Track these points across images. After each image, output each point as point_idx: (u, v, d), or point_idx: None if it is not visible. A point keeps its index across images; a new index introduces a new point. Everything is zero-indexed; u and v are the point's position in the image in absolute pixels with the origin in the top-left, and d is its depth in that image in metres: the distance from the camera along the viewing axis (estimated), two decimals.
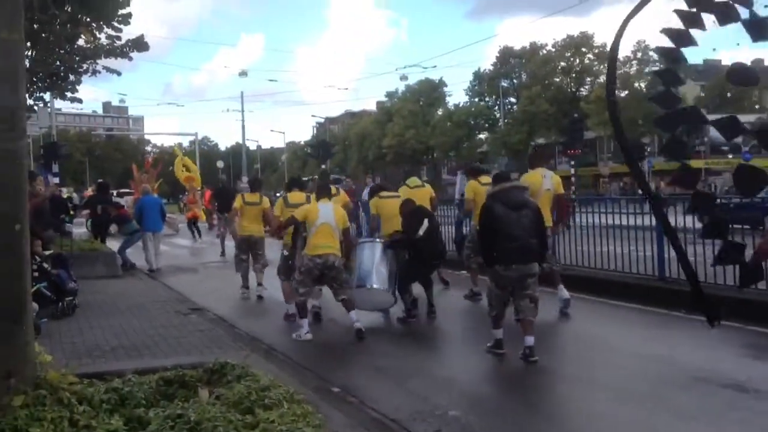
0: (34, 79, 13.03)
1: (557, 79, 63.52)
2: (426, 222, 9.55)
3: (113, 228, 17.37)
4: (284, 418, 4.11)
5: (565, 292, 9.53)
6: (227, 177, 54.79)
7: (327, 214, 8.86)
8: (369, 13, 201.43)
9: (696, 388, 6.25)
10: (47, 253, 10.97)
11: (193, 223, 24.71)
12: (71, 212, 17.40)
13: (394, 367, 7.37)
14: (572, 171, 31.40)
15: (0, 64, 3.67)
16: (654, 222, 10.10)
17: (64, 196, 21.07)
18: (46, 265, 10.11)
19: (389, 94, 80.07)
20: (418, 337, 8.98)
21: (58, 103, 26.02)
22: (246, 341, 8.36)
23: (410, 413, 5.77)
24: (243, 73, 54.46)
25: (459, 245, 10.64)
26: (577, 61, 63.11)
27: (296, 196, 10.43)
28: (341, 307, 9.03)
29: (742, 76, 2.75)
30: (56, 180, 21.68)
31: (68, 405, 4.09)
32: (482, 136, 72.03)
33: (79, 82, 13.75)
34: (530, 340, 7.23)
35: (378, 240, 9.99)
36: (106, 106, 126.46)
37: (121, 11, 12.73)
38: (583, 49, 62.24)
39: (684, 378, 6.54)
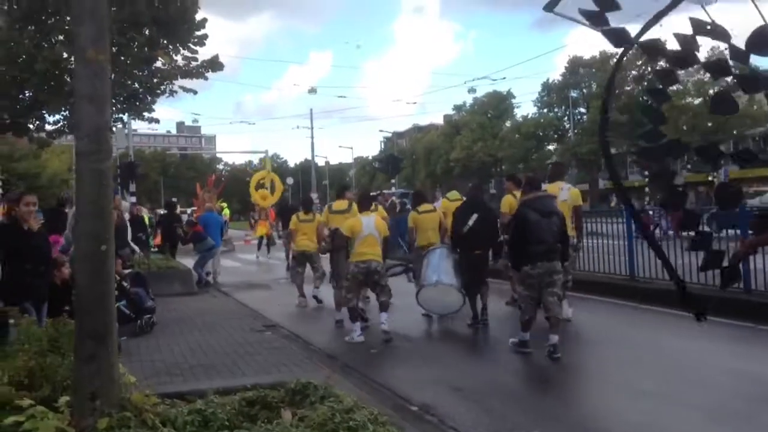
0: (113, 100, 13.39)
1: (628, 88, 62.23)
2: (474, 216, 10.10)
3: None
4: None
5: (570, 310, 10.12)
6: (290, 195, 55.29)
7: (370, 225, 9.84)
8: (435, 26, 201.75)
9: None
10: (126, 271, 11.17)
11: (265, 240, 25.01)
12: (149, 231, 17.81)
13: (470, 383, 7.21)
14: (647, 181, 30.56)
15: (87, 85, 3.70)
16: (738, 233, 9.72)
17: (143, 215, 21.53)
18: (125, 284, 10.28)
19: (457, 107, 79.89)
20: (485, 351, 8.83)
21: (135, 124, 26.76)
22: (321, 358, 8.32)
23: None
24: (312, 90, 54.93)
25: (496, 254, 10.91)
26: (648, 69, 61.72)
27: (339, 203, 11.77)
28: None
29: (724, 105, 3.23)
30: (133, 199, 22.15)
31: (152, 427, 4.06)
32: (551, 147, 71.06)
33: (155, 102, 14.05)
34: (555, 338, 7.96)
35: (444, 246, 10.66)
36: (180, 125, 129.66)
37: (197, 33, 12.97)
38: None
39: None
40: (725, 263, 3.20)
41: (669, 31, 3.07)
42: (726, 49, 2.92)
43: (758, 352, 8.15)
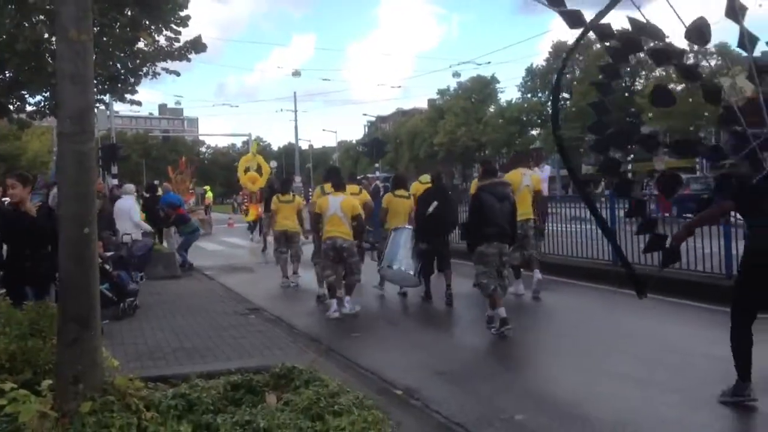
0: (95, 82, 13.19)
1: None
2: (435, 203, 10.80)
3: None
4: (355, 425, 3.99)
5: (539, 274, 10.93)
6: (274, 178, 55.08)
7: (335, 205, 10.43)
8: (419, 10, 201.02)
9: None
10: (108, 254, 11.08)
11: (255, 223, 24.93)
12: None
13: (453, 367, 7.26)
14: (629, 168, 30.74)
15: (70, 65, 3.64)
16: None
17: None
18: (107, 267, 10.20)
19: (441, 92, 79.74)
20: (467, 334, 8.89)
21: (116, 106, 26.51)
22: (305, 342, 8.32)
23: (475, 417, 5.66)
24: (296, 73, 54.55)
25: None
26: (632, 55, 61.72)
27: (286, 196, 13.02)
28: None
29: (663, 99, 3.52)
30: (115, 181, 22.00)
31: (136, 411, 4.03)
32: (535, 132, 71.18)
33: (138, 83, 13.90)
34: (502, 311, 8.61)
35: (408, 227, 11.28)
36: (162, 108, 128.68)
37: (180, 13, 12.80)
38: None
39: (761, 380, 6.24)
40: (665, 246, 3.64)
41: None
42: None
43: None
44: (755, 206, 5.71)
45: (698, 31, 4.02)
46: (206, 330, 8.86)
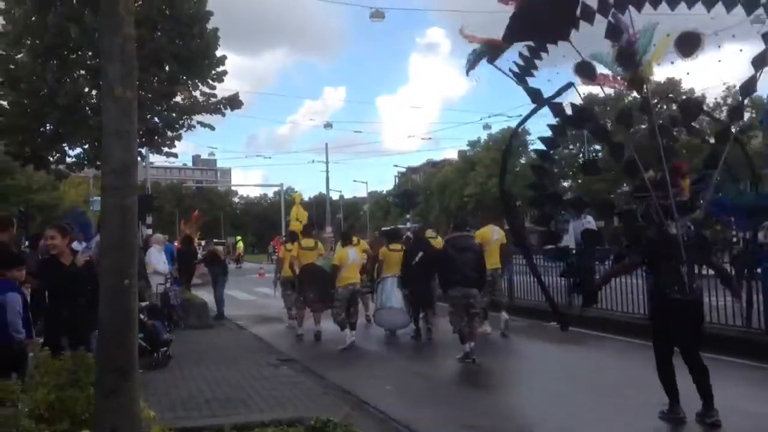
0: None
1: (643, 126, 62.12)
2: (420, 253, 12.34)
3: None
4: None
5: (505, 315, 12.70)
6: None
7: (354, 255, 12.54)
8: (447, 63, 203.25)
9: None
10: (143, 304, 11.18)
11: None
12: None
13: (484, 422, 7.15)
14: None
15: (115, 121, 3.75)
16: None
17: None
18: (142, 316, 10.28)
19: (471, 143, 79.95)
20: (498, 387, 8.78)
21: (151, 157, 27.00)
22: (338, 394, 8.28)
23: None
24: (328, 125, 55.15)
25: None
26: (665, 107, 61.73)
27: (308, 241, 14.10)
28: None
29: (590, 169, 7.81)
30: (149, 232, 22.28)
31: None
32: (566, 184, 70.95)
33: (179, 138, 14.20)
34: (471, 345, 10.15)
35: (395, 276, 12.75)
36: (195, 158, 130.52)
37: (216, 69, 13.14)
38: (671, 95, 60.87)
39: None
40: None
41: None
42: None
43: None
44: (659, 262, 6.75)
45: (627, 55, 5.61)
46: (238, 380, 8.85)
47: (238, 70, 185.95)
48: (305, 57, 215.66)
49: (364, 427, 5.29)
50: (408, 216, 37.57)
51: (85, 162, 15.52)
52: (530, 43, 6.31)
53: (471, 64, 6.65)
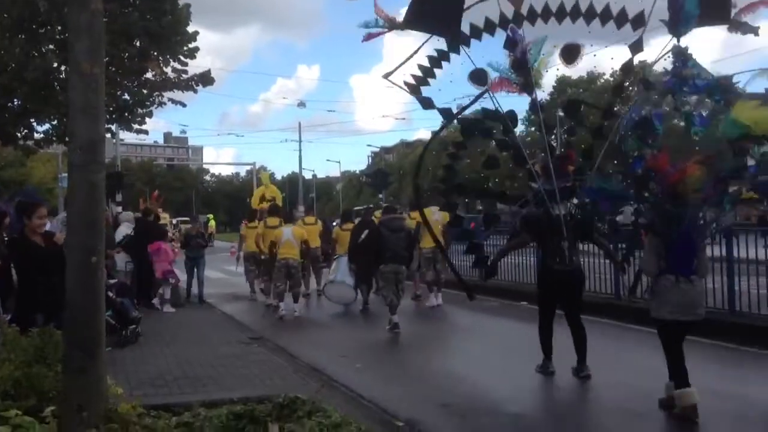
0: None
1: (616, 108, 62.52)
2: (366, 231, 13.25)
3: None
4: None
5: (439, 299, 14.09)
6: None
7: (288, 233, 13.56)
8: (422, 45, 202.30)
9: None
10: (111, 281, 11.11)
11: None
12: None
13: (457, 400, 7.22)
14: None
15: (82, 97, 3.71)
16: (724, 254, 9.93)
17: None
18: (110, 294, 10.22)
19: (445, 124, 79.92)
20: (470, 366, 8.87)
21: (122, 134, 26.64)
22: (307, 372, 8.31)
23: None
24: (301, 104, 55.46)
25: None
26: (636, 89, 62.08)
27: (273, 220, 14.92)
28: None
29: (490, 163, 7.12)
30: (119, 209, 22.05)
31: None
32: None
33: (150, 114, 14.03)
34: (395, 318, 11.41)
35: (343, 255, 14.24)
36: (167, 136, 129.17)
37: (188, 45, 12.99)
38: (642, 77, 61.27)
39: (758, 416, 6.28)
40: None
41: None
42: None
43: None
44: (545, 238, 7.93)
45: (521, 63, 6.99)
46: (208, 358, 8.85)
47: (210, 46, 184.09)
48: (279, 34, 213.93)
49: (333, 405, 5.32)
50: (381, 196, 37.52)
51: (54, 138, 15.31)
52: (433, 53, 7.58)
53: (370, 33, 7.45)
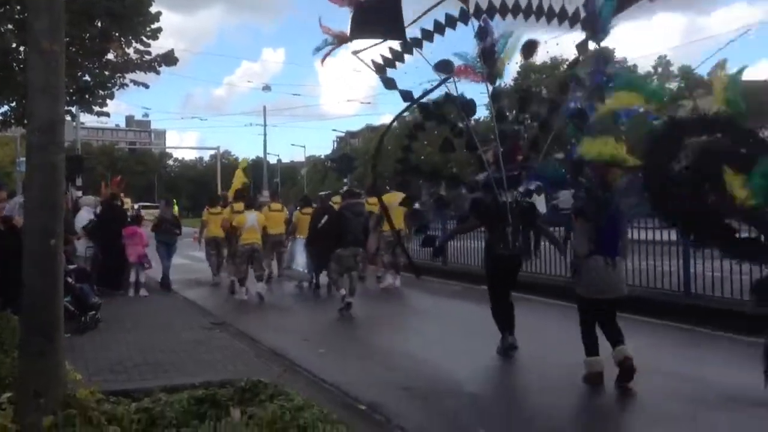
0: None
1: (579, 94, 63.06)
2: (325, 217, 13.38)
3: None
4: None
5: (397, 281, 14.73)
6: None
7: (252, 219, 13.83)
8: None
9: (730, 409, 6.12)
10: (70, 267, 10.95)
11: None
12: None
13: (419, 383, 7.28)
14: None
15: (41, 76, 3.64)
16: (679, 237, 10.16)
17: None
18: (69, 279, 10.07)
19: (410, 109, 79.92)
20: (434, 350, 8.94)
21: (83, 117, 26.21)
22: (270, 357, 8.30)
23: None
24: (267, 88, 54.45)
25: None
26: (619, 70, 62.53)
27: (239, 205, 14.96)
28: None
29: (446, 146, 8.87)
30: (79, 193, 21.72)
31: (98, 425, 4.00)
32: None
33: (111, 96, 13.80)
34: (351, 299, 11.74)
35: (301, 237, 15.00)
36: (129, 119, 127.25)
37: (151, 26, 12.79)
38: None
39: (715, 397, 6.42)
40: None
41: None
42: None
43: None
44: (492, 223, 8.34)
45: (489, 54, 7.79)
46: (169, 344, 8.77)
47: (173, 28, 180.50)
48: (244, 17, 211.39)
49: (295, 389, 5.32)
50: (346, 180, 37.49)
51: (12, 121, 14.97)
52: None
53: (324, 53, 8.07)
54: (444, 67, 8.13)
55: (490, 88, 8.45)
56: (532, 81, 68.26)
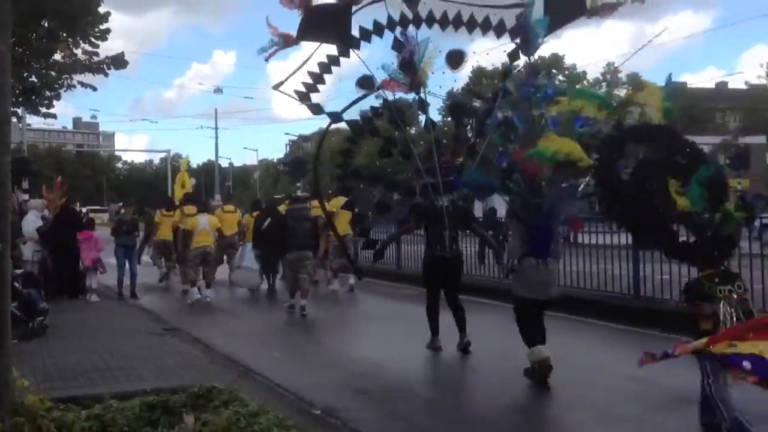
0: None
1: (507, 104, 63.68)
2: (269, 219, 13.40)
3: None
4: None
5: (352, 280, 14.56)
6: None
7: (204, 222, 13.91)
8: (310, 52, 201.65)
9: (678, 410, 6.24)
10: (17, 271, 10.68)
11: None
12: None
13: (375, 386, 7.31)
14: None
15: None
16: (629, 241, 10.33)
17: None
18: (16, 284, 9.82)
19: (363, 113, 79.91)
20: (390, 353, 8.97)
21: (29, 118, 25.63)
22: (224, 362, 8.21)
23: None
24: (218, 90, 54.22)
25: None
26: (547, 82, 63.43)
27: (189, 208, 14.90)
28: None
29: (383, 152, 9.02)
30: (25, 197, 21.20)
31: None
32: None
33: (57, 97, 13.53)
34: (303, 301, 11.91)
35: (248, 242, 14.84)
36: (77, 121, 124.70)
37: (99, 27, 12.58)
38: (554, 71, 62.74)
39: (665, 399, 6.54)
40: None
41: None
42: None
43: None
44: (429, 227, 8.73)
45: (408, 64, 8.19)
46: (120, 350, 8.61)
47: (122, 29, 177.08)
48: (194, 18, 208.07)
49: (250, 394, 5.27)
50: (299, 184, 37.31)
51: None
52: (324, 60, 8.45)
53: (269, 53, 8.24)
54: (366, 84, 8.65)
55: (417, 97, 8.80)
56: (483, 86, 69.06)
